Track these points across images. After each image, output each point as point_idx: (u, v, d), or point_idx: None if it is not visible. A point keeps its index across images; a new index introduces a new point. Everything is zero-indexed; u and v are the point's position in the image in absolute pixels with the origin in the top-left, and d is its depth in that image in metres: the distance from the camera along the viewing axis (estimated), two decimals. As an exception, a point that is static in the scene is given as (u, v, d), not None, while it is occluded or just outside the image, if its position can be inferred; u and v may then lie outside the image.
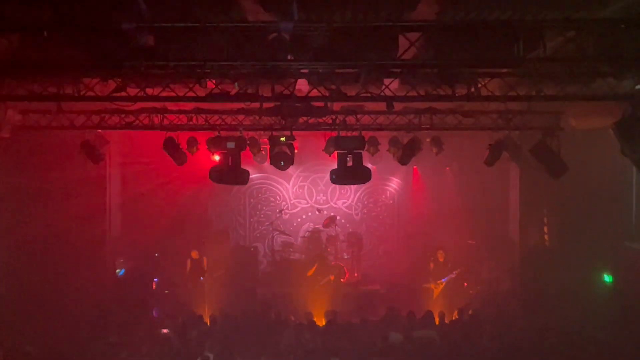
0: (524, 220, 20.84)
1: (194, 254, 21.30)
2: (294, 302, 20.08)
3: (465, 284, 21.52)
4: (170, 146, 17.09)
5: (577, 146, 15.27)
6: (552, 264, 18.12)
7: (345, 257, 23.61)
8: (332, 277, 21.85)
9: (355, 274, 23.45)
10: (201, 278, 21.01)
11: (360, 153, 14.14)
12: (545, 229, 20.05)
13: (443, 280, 21.14)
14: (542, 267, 18.63)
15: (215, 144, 15.30)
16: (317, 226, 24.43)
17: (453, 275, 21.09)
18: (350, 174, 14.39)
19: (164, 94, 12.68)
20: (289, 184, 25.14)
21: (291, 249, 24.08)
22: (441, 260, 21.40)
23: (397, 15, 9.44)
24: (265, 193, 25.31)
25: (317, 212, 24.90)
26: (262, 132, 18.28)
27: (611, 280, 16.25)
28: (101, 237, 21.13)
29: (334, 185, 19.60)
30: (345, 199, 25.29)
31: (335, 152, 14.68)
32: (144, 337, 15.82)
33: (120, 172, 22.11)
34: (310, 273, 21.83)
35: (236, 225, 25.31)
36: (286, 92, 12.21)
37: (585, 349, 13.89)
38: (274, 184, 25.13)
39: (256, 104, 13.38)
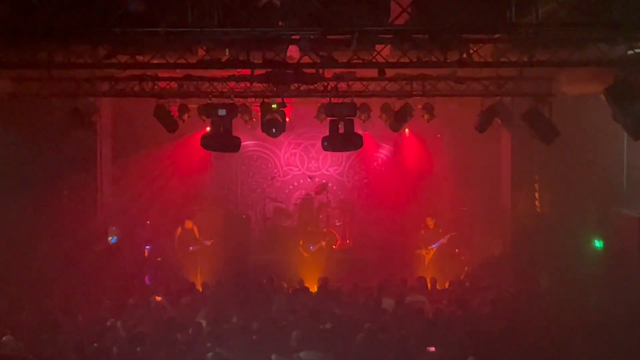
0: (516, 186, 20.87)
1: (188, 224, 21.30)
2: (286, 269, 20.14)
3: (457, 250, 21.61)
4: (161, 113, 17.03)
5: (569, 112, 15.27)
6: (544, 230, 18.20)
7: (337, 223, 23.62)
8: (323, 244, 21.92)
9: (347, 241, 23.51)
10: (191, 248, 20.98)
11: (352, 120, 14.15)
12: (537, 194, 20.09)
13: (434, 246, 21.22)
14: (534, 233, 18.71)
15: (207, 111, 15.25)
16: (309, 193, 24.42)
17: (444, 241, 21.12)
18: (342, 140, 14.42)
19: (155, 61, 12.61)
20: (280, 151, 25.08)
21: (283, 216, 24.11)
22: (431, 226, 21.46)
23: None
24: (256, 160, 25.20)
25: (309, 179, 24.88)
26: (253, 99, 18.20)
27: (602, 245, 16.32)
28: (93, 204, 21.13)
29: (325, 152, 19.54)
30: (337, 166, 25.25)
31: (327, 119, 14.67)
32: (137, 305, 15.88)
33: (110, 140, 22.02)
34: (300, 244, 21.90)
35: (227, 192, 25.26)
36: (277, 58, 12.15)
37: (576, 314, 14.00)
38: (266, 151, 25.04)
39: (247, 71, 13.33)
